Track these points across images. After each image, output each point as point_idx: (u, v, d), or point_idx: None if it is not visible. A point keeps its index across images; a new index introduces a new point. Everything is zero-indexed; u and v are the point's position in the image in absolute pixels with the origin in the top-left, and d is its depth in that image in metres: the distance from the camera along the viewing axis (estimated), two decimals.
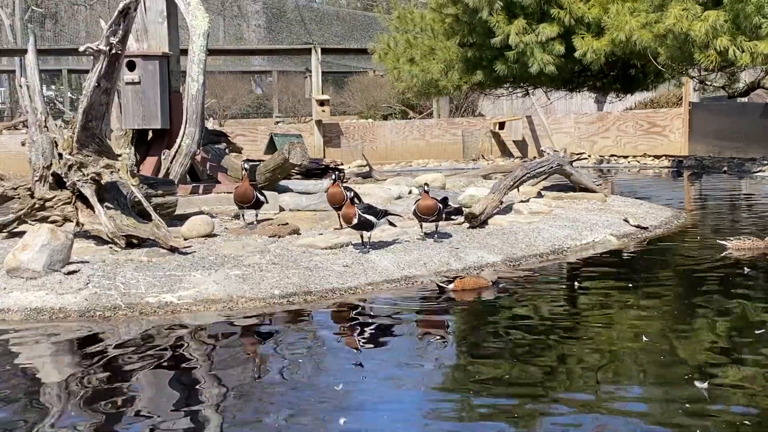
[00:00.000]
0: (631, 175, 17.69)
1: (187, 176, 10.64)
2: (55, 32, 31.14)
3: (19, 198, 8.28)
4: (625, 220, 9.54)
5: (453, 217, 8.66)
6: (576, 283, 7.06)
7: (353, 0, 44.07)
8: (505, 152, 21.07)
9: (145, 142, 10.74)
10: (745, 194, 14.02)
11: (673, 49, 13.31)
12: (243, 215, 8.79)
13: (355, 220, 7.42)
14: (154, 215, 7.76)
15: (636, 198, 11.68)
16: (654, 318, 6.04)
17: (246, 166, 8.99)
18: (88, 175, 7.82)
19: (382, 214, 7.76)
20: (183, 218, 8.61)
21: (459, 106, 24.79)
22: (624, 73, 17.18)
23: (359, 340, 5.75)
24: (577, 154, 18.22)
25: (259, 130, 20.78)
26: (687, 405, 4.27)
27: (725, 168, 16.84)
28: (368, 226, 7.54)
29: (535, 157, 17.77)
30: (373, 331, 5.96)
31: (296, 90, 30.11)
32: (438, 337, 5.81)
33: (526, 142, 21.35)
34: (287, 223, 8.61)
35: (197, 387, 4.82)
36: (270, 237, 8.19)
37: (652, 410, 4.26)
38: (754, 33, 12.57)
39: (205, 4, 10.81)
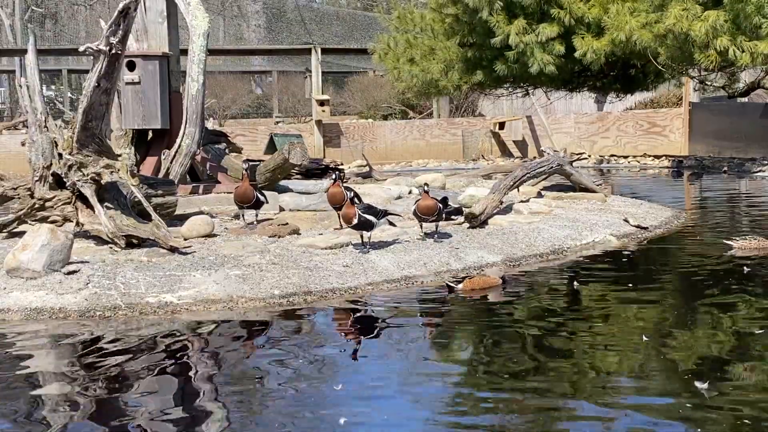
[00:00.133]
0: (631, 175, 17.69)
1: (187, 176, 10.64)
2: (55, 32, 31.15)
3: (19, 198, 8.28)
4: (625, 220, 9.54)
5: (453, 217, 8.66)
6: (575, 284, 7.06)
7: (353, 0, 44.06)
8: (505, 152, 21.06)
9: (145, 142, 10.73)
10: (745, 194, 14.01)
11: (673, 49, 13.31)
12: (243, 215, 8.79)
13: (355, 220, 7.42)
14: (154, 215, 7.76)
15: (636, 198, 11.67)
16: (654, 318, 6.04)
17: (245, 166, 8.99)
18: (88, 175, 7.82)
19: (382, 214, 7.76)
20: (183, 218, 8.61)
21: (459, 106, 24.79)
22: (624, 73, 17.19)
23: (359, 340, 5.75)
24: (577, 154, 18.22)
25: (259, 130, 20.78)
26: (687, 405, 4.27)
27: (725, 168, 16.83)
28: (368, 226, 7.54)
29: (535, 157, 17.77)
30: (373, 331, 5.96)
31: (296, 90, 30.10)
32: (438, 337, 5.81)
33: (526, 142, 21.35)
34: (287, 223, 8.61)
35: (197, 387, 4.82)
36: (270, 237, 8.19)
37: (652, 410, 4.26)
38: (754, 33, 12.57)
39: (205, 4, 10.81)
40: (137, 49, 10.52)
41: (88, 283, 6.61)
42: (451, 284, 6.95)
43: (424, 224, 8.20)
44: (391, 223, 8.34)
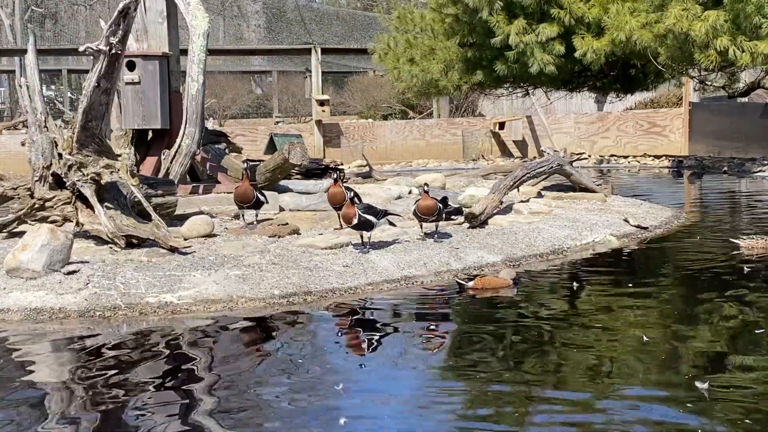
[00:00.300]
0: (631, 175, 17.68)
1: (187, 176, 10.64)
2: (55, 32, 31.14)
3: (19, 198, 8.27)
4: (625, 220, 9.54)
5: (453, 217, 8.65)
6: (575, 284, 7.06)
7: (353, 0, 44.06)
8: (505, 152, 21.06)
9: (145, 142, 10.73)
10: (745, 194, 14.01)
11: (673, 49, 13.31)
12: (243, 215, 8.79)
13: (355, 220, 7.42)
14: (154, 215, 7.76)
15: (636, 198, 11.67)
16: (654, 318, 6.04)
17: (245, 166, 8.99)
18: (88, 175, 7.82)
19: (382, 214, 7.76)
20: (183, 218, 8.61)
21: (459, 106, 24.78)
22: (624, 73, 17.18)
23: (359, 340, 5.75)
24: (577, 154, 18.21)
25: (259, 130, 20.78)
26: (688, 405, 4.27)
27: (725, 168, 16.83)
28: (368, 226, 7.54)
29: (535, 157, 17.77)
30: (373, 331, 5.96)
31: (296, 90, 30.09)
32: (438, 337, 5.81)
33: (526, 142, 21.34)
34: (287, 223, 8.61)
35: (197, 387, 4.82)
36: (270, 237, 8.19)
37: (652, 410, 4.26)
38: (754, 33, 12.56)
39: (205, 4, 10.81)
40: (137, 49, 10.52)
41: (87, 283, 6.61)
42: (462, 282, 6.96)
43: (424, 224, 8.19)
44: (391, 223, 8.34)
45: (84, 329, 6.03)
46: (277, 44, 26.96)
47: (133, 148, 10.14)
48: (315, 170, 13.22)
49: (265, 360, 5.31)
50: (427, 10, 17.85)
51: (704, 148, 19.49)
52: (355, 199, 7.74)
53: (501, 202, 9.40)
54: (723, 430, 3.99)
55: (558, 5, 14.66)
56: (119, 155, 8.23)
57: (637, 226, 9.40)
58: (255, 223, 8.69)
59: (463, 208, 8.96)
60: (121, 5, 7.51)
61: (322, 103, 20.66)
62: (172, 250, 7.42)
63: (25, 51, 9.43)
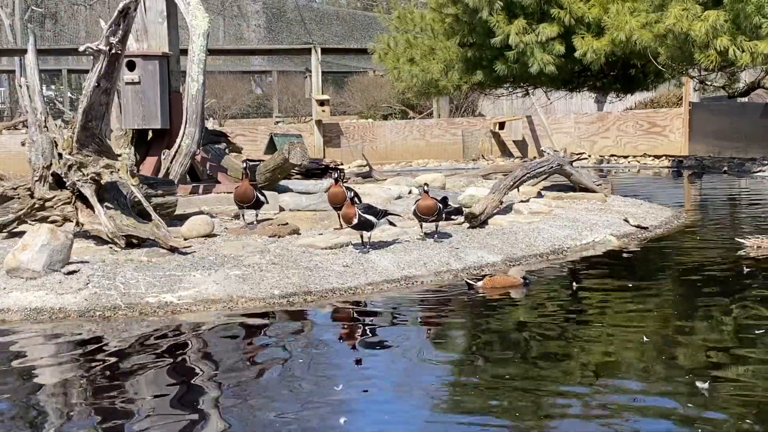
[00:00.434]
0: (631, 175, 17.68)
1: (187, 176, 10.64)
2: (55, 32, 31.14)
3: (19, 198, 8.27)
4: (625, 220, 9.54)
5: (453, 217, 8.65)
6: (574, 284, 7.05)
7: (353, 0, 44.06)
8: (505, 152, 21.06)
9: (145, 142, 10.73)
10: (745, 194, 14.01)
11: (673, 49, 13.31)
12: (243, 215, 8.79)
13: (356, 220, 7.42)
14: (154, 215, 7.76)
15: (636, 198, 11.67)
16: (654, 318, 6.04)
17: (245, 165, 8.99)
18: (88, 175, 7.82)
19: (382, 214, 7.76)
20: (183, 218, 8.61)
21: (459, 106, 24.78)
22: (624, 73, 17.18)
23: (359, 340, 5.75)
24: (577, 154, 18.21)
25: (259, 130, 20.78)
26: (688, 404, 4.27)
27: (725, 168, 16.83)
28: (368, 226, 7.54)
29: (535, 157, 17.77)
30: (373, 331, 5.96)
31: (296, 90, 30.10)
32: (438, 337, 5.81)
33: (526, 142, 21.34)
34: (287, 223, 8.61)
35: (197, 387, 4.82)
36: (270, 237, 8.19)
37: (652, 410, 4.26)
38: (754, 33, 12.56)
39: (205, 4, 10.81)
40: (137, 49, 10.52)
41: (88, 283, 6.61)
42: (471, 281, 6.96)
43: (424, 224, 8.19)
44: (391, 223, 8.34)
45: (84, 329, 6.03)
46: (277, 44, 26.96)
47: (133, 148, 10.14)
48: (315, 170, 13.22)
49: (265, 360, 5.30)
50: (427, 10, 17.85)
51: (704, 148, 19.49)
52: (355, 199, 7.74)
53: (501, 202, 9.40)
54: (723, 429, 3.99)
55: (558, 5, 14.66)
56: (119, 155, 8.23)
57: (637, 226, 9.40)
58: (255, 223, 8.69)
59: (463, 208, 8.96)
60: (121, 5, 7.51)
61: (322, 103, 20.66)
62: (172, 250, 7.42)
63: (25, 51, 9.43)
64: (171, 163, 10.19)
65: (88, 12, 33.53)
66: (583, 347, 5.36)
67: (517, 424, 4.15)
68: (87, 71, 9.71)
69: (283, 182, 10.77)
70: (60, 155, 7.98)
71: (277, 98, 30.43)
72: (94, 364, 5.24)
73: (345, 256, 7.49)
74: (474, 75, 16.72)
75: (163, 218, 7.95)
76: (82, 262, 7.02)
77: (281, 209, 9.93)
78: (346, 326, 6.19)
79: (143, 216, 7.82)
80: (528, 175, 10.26)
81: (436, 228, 8.23)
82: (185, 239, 8.00)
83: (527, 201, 10.12)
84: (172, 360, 5.32)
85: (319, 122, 20.69)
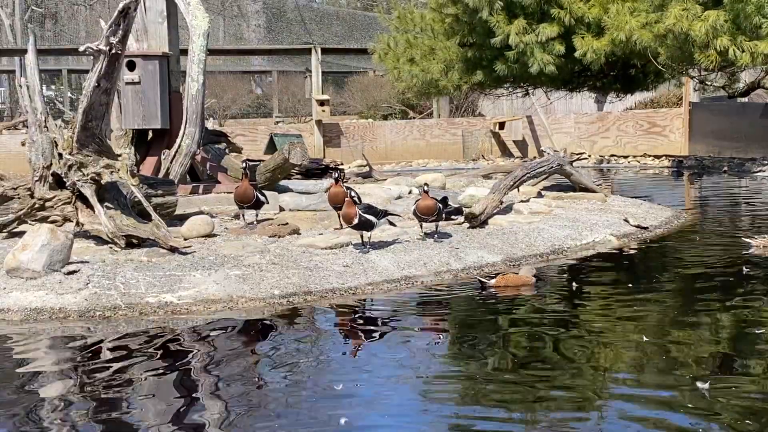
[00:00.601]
0: (631, 175, 17.68)
1: (187, 176, 10.64)
2: (55, 32, 31.13)
3: (19, 198, 8.27)
4: (626, 220, 9.54)
5: (453, 217, 8.65)
6: (574, 284, 7.05)
7: (353, 0, 44.06)
8: (505, 152, 21.06)
9: (145, 142, 10.73)
10: (745, 194, 14.01)
11: (673, 49, 13.31)
12: (243, 215, 8.79)
13: (356, 220, 7.42)
14: (154, 215, 7.76)
15: (636, 198, 11.67)
16: (654, 318, 6.04)
17: (245, 165, 8.99)
18: (88, 175, 7.82)
19: (382, 214, 7.76)
20: (183, 218, 8.61)
21: (459, 106, 24.77)
22: (624, 73, 17.18)
23: (359, 340, 5.75)
24: (577, 154, 18.21)
25: (259, 130, 20.77)
26: (688, 404, 4.27)
27: (725, 168, 16.83)
28: (368, 226, 7.54)
29: (535, 157, 17.77)
30: (373, 331, 5.96)
31: (296, 90, 30.09)
32: (438, 337, 5.81)
33: (526, 142, 21.34)
34: (287, 223, 8.61)
35: (197, 387, 4.82)
36: (270, 237, 8.19)
37: (653, 410, 4.26)
38: (754, 33, 12.56)
39: (205, 4, 10.81)
40: (137, 49, 10.52)
41: (88, 283, 6.61)
42: (483, 280, 6.97)
43: (424, 224, 8.19)
44: (391, 223, 8.34)
45: (84, 329, 6.03)
46: (277, 44, 26.96)
47: (133, 148, 10.15)
48: (315, 170, 13.22)
49: (265, 360, 5.30)
50: (427, 10, 17.85)
51: (704, 148, 19.49)
52: (356, 199, 7.74)
53: (501, 202, 9.40)
54: (724, 430, 3.99)
55: (558, 5, 14.66)
56: (119, 155, 8.23)
57: (637, 226, 9.40)
58: (255, 223, 8.69)
59: (463, 208, 8.95)
60: (121, 5, 7.51)
61: (322, 103, 20.66)
62: (172, 250, 7.42)
63: (25, 51, 9.43)
64: (171, 163, 10.19)
65: (88, 12, 33.54)
66: (582, 347, 5.35)
67: (517, 422, 4.15)
68: (87, 71, 9.71)
69: (283, 182, 10.77)
70: (60, 155, 7.98)
71: (277, 98, 30.43)
72: (94, 364, 5.25)
73: (345, 256, 7.49)
74: (474, 75, 16.72)
75: (163, 218, 7.95)
76: (82, 262, 7.02)
77: (281, 209, 9.93)
78: (346, 326, 6.19)
79: (143, 216, 7.82)
80: (528, 175, 10.25)
81: (436, 228, 8.23)
82: (185, 239, 8.00)
83: (527, 201, 10.12)
84: (171, 360, 5.32)
85: (319, 122, 20.69)
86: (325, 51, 22.29)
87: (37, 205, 8.05)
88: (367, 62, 25.78)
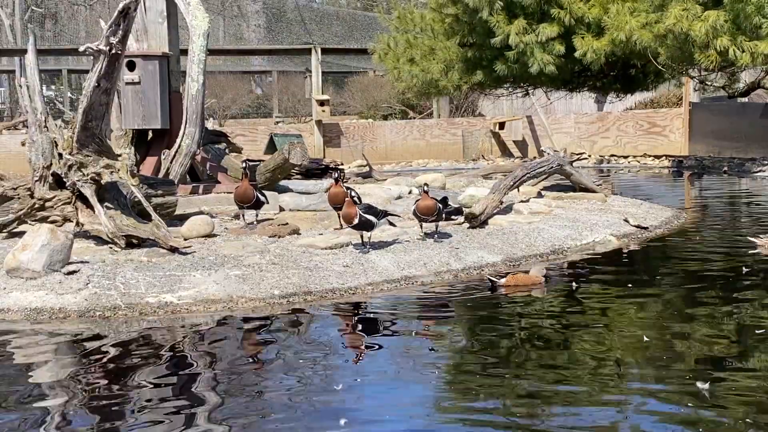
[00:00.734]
0: (631, 175, 17.68)
1: (187, 176, 10.64)
2: (55, 32, 31.14)
3: (19, 198, 8.27)
4: (626, 221, 9.54)
5: (453, 217, 8.65)
6: (574, 284, 7.05)
7: (353, 0, 44.06)
8: (505, 152, 21.06)
9: (145, 142, 10.73)
10: (745, 194, 14.01)
11: (673, 49, 13.31)
12: (243, 215, 8.79)
13: (356, 220, 7.42)
14: (154, 215, 7.76)
15: (636, 198, 11.67)
16: (654, 318, 6.04)
17: (245, 165, 8.99)
18: (88, 175, 7.82)
19: (382, 214, 7.76)
20: (183, 218, 8.61)
21: (459, 106, 24.78)
22: (624, 73, 17.18)
23: (359, 340, 5.75)
24: (577, 154, 18.21)
25: (259, 130, 20.78)
26: (689, 404, 4.27)
27: (725, 168, 16.83)
28: (369, 226, 7.54)
29: (535, 157, 17.77)
30: (373, 331, 5.96)
31: (296, 90, 30.10)
32: (438, 337, 5.81)
33: (526, 142, 21.34)
34: (287, 223, 8.61)
35: (197, 387, 4.82)
36: (270, 237, 8.19)
37: (653, 410, 4.26)
38: (754, 33, 12.56)
39: (205, 4, 10.81)
40: (137, 49, 10.52)
41: (88, 283, 6.61)
42: (494, 279, 6.97)
43: (424, 224, 8.19)
44: (391, 223, 8.34)
45: (84, 329, 6.03)
46: (277, 44, 26.95)
47: (133, 148, 10.15)
48: (315, 170, 13.22)
49: (265, 360, 5.31)
50: (427, 10, 17.85)
51: (704, 148, 19.49)
52: (356, 199, 7.74)
53: (501, 202, 9.40)
54: (724, 429, 3.99)
55: (558, 5, 14.66)
56: (119, 155, 8.23)
57: (637, 226, 9.40)
58: (255, 223, 8.69)
59: (463, 208, 8.95)
60: (121, 5, 7.51)
61: (322, 103, 20.66)
62: (172, 250, 7.42)
63: (25, 51, 9.43)
64: (171, 163, 10.19)
65: (88, 12, 33.54)
66: (581, 347, 5.35)
67: (517, 421, 4.15)
68: (87, 71, 9.71)
69: (283, 182, 10.77)
70: (60, 155, 7.98)
71: (277, 98, 30.43)
72: (93, 364, 5.24)
73: (345, 256, 7.49)
74: (474, 75, 16.72)
75: (163, 218, 7.95)
76: (82, 262, 7.02)
77: (281, 209, 9.93)
78: (346, 326, 6.19)
79: (143, 216, 7.82)
80: (528, 175, 10.25)
81: (436, 228, 8.23)
82: (185, 239, 8.00)
83: (527, 201, 10.12)
84: (171, 360, 5.32)
85: (319, 122, 20.69)
86: (325, 51, 22.30)
87: (37, 205, 8.05)
88: (367, 62, 25.79)
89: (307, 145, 14.62)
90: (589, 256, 8.31)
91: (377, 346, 5.56)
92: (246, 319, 6.24)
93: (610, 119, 21.38)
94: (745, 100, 19.51)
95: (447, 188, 11.85)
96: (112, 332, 5.97)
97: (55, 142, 8.08)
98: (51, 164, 8.02)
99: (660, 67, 14.60)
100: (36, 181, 8.10)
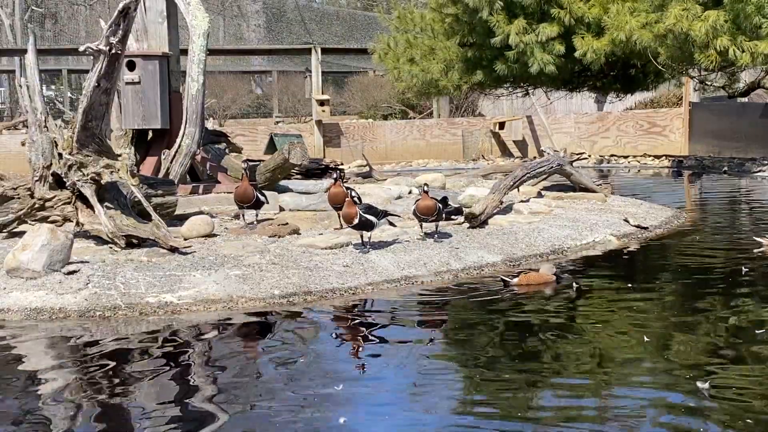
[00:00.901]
0: (631, 175, 17.68)
1: (187, 176, 10.64)
2: (55, 32, 31.15)
3: (19, 198, 8.27)
4: (626, 220, 9.54)
5: (453, 217, 8.65)
6: (575, 284, 7.05)
7: (353, 0, 44.07)
8: (505, 152, 21.06)
9: (145, 142, 10.73)
10: (745, 194, 14.01)
11: (673, 49, 13.31)
12: (243, 215, 8.79)
13: (356, 220, 7.42)
14: (154, 215, 7.76)
15: (636, 198, 11.67)
16: (654, 318, 6.04)
17: (245, 165, 8.99)
18: (88, 175, 7.82)
19: (382, 214, 7.76)
20: (183, 218, 8.61)
21: (459, 106, 24.78)
22: (624, 73, 17.18)
23: (359, 340, 5.75)
24: (577, 154, 18.21)
25: (259, 130, 20.78)
26: (689, 404, 4.27)
27: (725, 168, 16.83)
28: (369, 226, 7.54)
29: (535, 157, 17.76)
30: (373, 331, 5.96)
31: (296, 90, 30.10)
32: (438, 337, 5.81)
33: (526, 142, 21.34)
34: (287, 223, 8.61)
35: (197, 388, 4.82)
36: (270, 237, 8.19)
37: (653, 410, 4.26)
38: (754, 33, 12.57)
39: (205, 4, 10.81)
40: (137, 49, 10.52)
41: (88, 283, 6.61)
42: (506, 279, 6.99)
43: (424, 224, 8.20)
44: (391, 223, 8.34)
45: (84, 329, 6.03)
46: (277, 44, 26.96)
47: (133, 148, 10.15)
48: (315, 170, 13.21)
49: (265, 360, 5.31)
50: (427, 10, 17.85)
51: (704, 148, 19.49)
52: (356, 199, 7.74)
53: (501, 202, 9.40)
54: (723, 429, 3.99)
55: (558, 5, 14.67)
56: (119, 155, 8.23)
57: (637, 226, 9.40)
58: (255, 223, 8.69)
59: (463, 208, 8.96)
60: (121, 5, 7.51)
61: (322, 103, 20.67)
62: (172, 250, 7.42)
63: (25, 51, 9.43)
64: (171, 163, 10.19)
65: (88, 12, 33.55)
66: (582, 347, 5.35)
67: (517, 422, 4.15)
68: (87, 71, 9.71)
69: (283, 182, 10.77)
70: (60, 155, 7.98)
71: (277, 98, 30.44)
72: (93, 364, 5.24)
73: (345, 256, 7.49)
74: (474, 75, 16.72)
75: (163, 218, 7.96)
76: (82, 262, 7.02)
77: (281, 209, 9.93)
78: (346, 326, 6.19)
79: (143, 216, 7.82)
80: (528, 175, 10.25)
81: (436, 228, 8.23)
82: (185, 239, 8.00)
83: (527, 201, 10.12)
84: (171, 360, 5.32)
85: (319, 122, 20.69)
86: (325, 51, 22.29)
87: (37, 205, 8.05)
88: (367, 62, 25.78)
89: (307, 145, 14.62)
90: (590, 256, 8.30)
91: (377, 346, 5.56)
92: (246, 319, 6.24)
93: (610, 119, 21.38)
94: (745, 100, 19.51)
95: (447, 188, 11.85)
96: (113, 332, 5.97)
97: (55, 142, 8.08)
98: (51, 164, 8.03)
99: (660, 67, 14.60)
100: (36, 181, 8.10)
